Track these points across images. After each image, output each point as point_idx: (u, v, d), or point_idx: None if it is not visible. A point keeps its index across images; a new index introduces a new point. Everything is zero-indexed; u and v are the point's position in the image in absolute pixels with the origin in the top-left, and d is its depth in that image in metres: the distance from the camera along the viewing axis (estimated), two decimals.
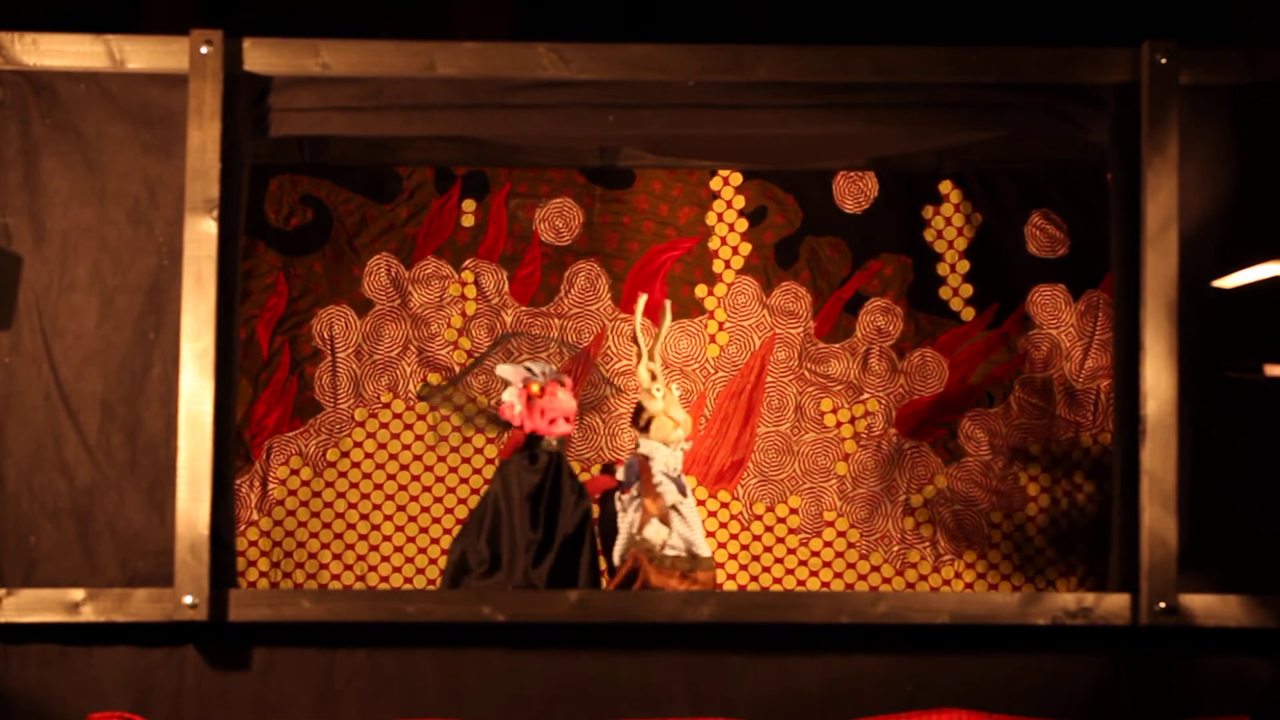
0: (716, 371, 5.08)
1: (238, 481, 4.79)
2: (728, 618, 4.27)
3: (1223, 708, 4.27)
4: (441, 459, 5.02)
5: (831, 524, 5.04)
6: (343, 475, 5.00)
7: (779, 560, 5.02)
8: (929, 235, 5.10)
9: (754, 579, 5.01)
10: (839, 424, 5.07)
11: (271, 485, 4.97)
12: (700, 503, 4.94)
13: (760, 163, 5.05)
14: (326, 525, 4.98)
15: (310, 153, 5.01)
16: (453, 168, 5.08)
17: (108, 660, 4.25)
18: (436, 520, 4.98)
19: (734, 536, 5.03)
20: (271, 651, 4.28)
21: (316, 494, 4.98)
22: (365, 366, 5.02)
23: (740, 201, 5.11)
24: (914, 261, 5.10)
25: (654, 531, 4.53)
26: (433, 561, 4.96)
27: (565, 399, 4.46)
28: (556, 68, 4.34)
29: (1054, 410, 5.03)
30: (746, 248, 5.10)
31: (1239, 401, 4.30)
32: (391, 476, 5.01)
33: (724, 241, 5.10)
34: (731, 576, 4.99)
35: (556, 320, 5.05)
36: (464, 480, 5.00)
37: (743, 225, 5.11)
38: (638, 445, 4.67)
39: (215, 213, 4.24)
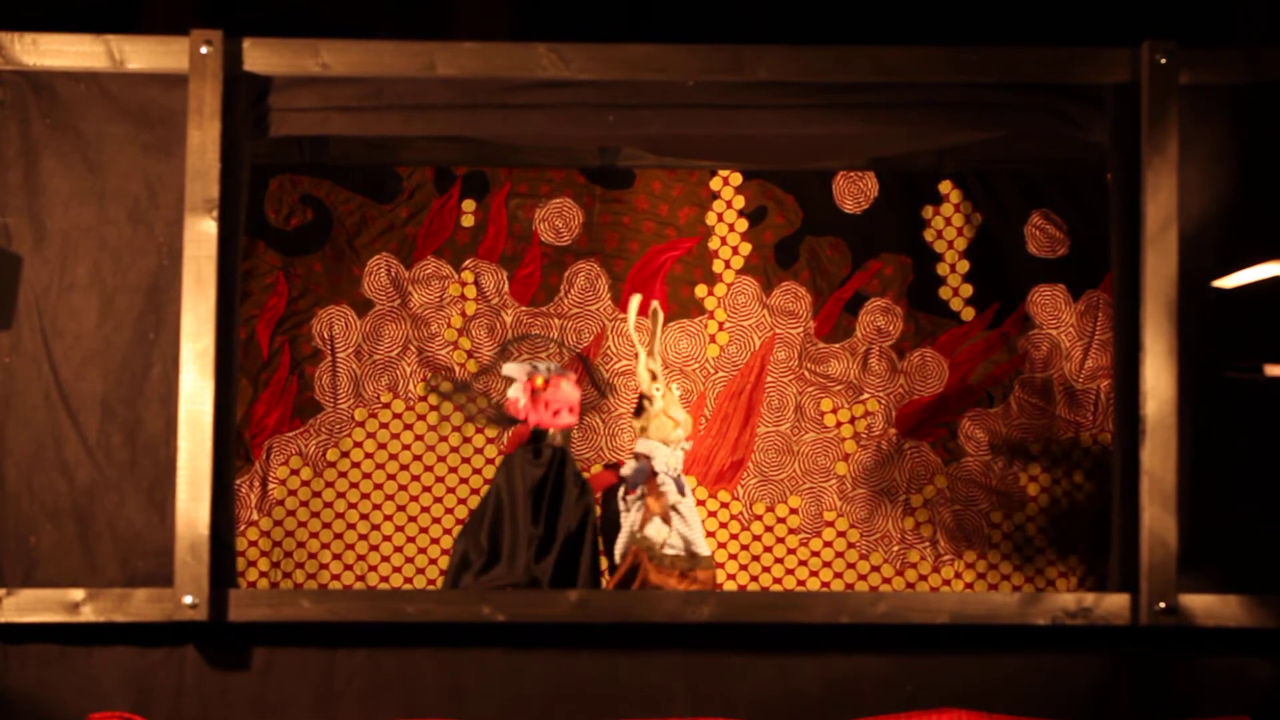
0: (716, 371, 5.08)
1: (238, 481, 4.79)
2: (728, 618, 4.27)
3: (1223, 708, 4.27)
4: (441, 459, 5.02)
5: (831, 524, 5.04)
6: (343, 475, 5.00)
7: (779, 560, 5.02)
8: (929, 235, 5.10)
9: (754, 579, 5.01)
10: (839, 424, 5.07)
11: (271, 485, 4.97)
12: (700, 503, 4.94)
13: (760, 163, 5.06)
14: (326, 525, 4.98)
15: (310, 153, 5.01)
16: (453, 168, 5.08)
17: (108, 660, 4.25)
18: (436, 520, 4.98)
19: (734, 536, 5.03)
20: (271, 651, 4.28)
21: (316, 494, 4.98)
22: (365, 366, 5.02)
23: (740, 201, 5.11)
24: (914, 261, 5.10)
25: (655, 530, 4.54)
26: (433, 561, 4.97)
27: (569, 390, 4.49)
28: (556, 68, 4.34)
29: (1054, 410, 5.03)
30: (746, 248, 5.10)
31: (1239, 401, 4.30)
32: (391, 476, 5.01)
33: (724, 241, 5.10)
34: (731, 576, 4.99)
35: (556, 320, 5.05)
36: (464, 480, 5.00)
37: (743, 225, 5.11)
38: (637, 445, 4.68)
39: (215, 213, 4.24)
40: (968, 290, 5.09)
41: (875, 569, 5.02)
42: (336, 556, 4.97)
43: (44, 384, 4.27)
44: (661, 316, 4.66)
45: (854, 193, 5.11)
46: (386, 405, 5.02)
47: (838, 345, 5.09)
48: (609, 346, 5.05)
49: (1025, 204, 5.08)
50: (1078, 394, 5.03)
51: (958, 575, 5.01)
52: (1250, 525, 4.28)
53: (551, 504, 4.45)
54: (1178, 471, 4.24)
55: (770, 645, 4.30)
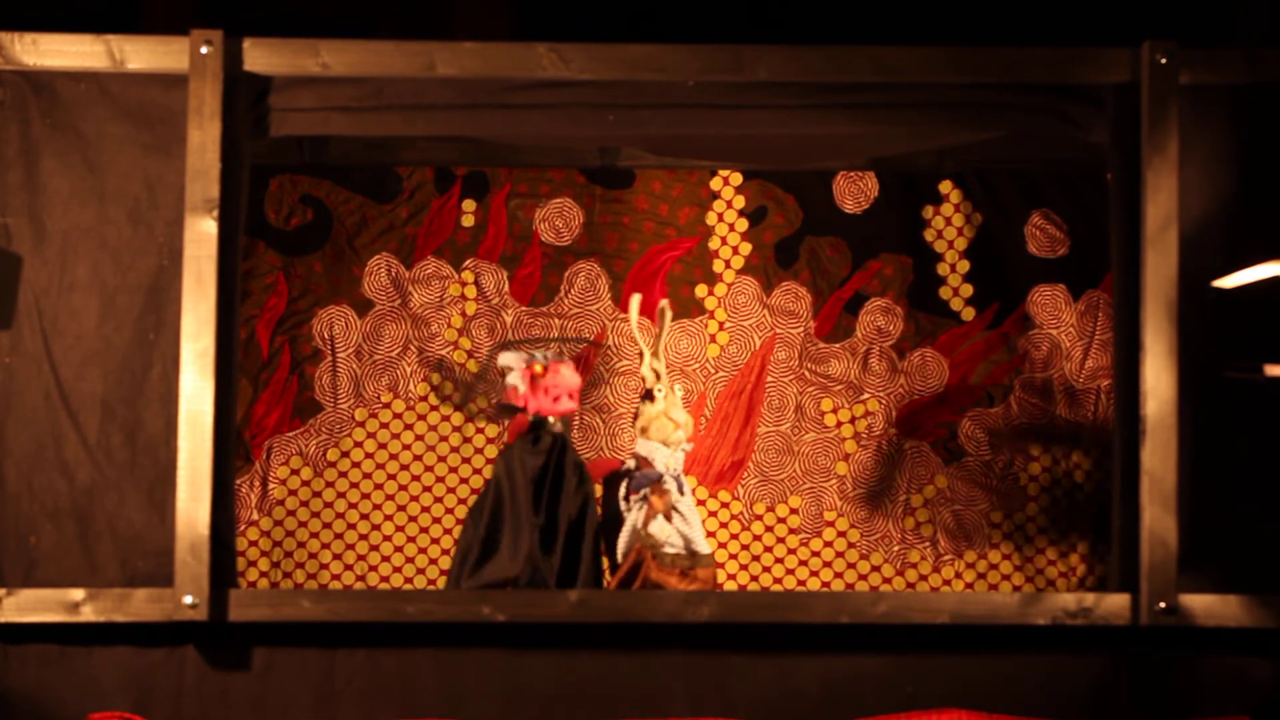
0: (717, 371, 5.08)
1: (238, 481, 4.79)
2: (728, 618, 4.28)
3: (1223, 708, 4.27)
4: (442, 459, 5.02)
5: (831, 524, 5.04)
6: (343, 475, 5.00)
7: (779, 560, 5.02)
8: (929, 235, 5.10)
9: (754, 579, 5.01)
10: (839, 424, 5.07)
11: (271, 485, 4.97)
12: (700, 502, 4.94)
13: (760, 163, 5.05)
14: (326, 525, 4.98)
15: (310, 153, 5.01)
16: (453, 168, 5.08)
17: (108, 660, 4.25)
18: (437, 520, 4.98)
19: (734, 536, 5.03)
20: (271, 651, 4.28)
21: (316, 494, 4.99)
22: (365, 366, 5.02)
23: (740, 201, 5.11)
24: (914, 261, 5.10)
25: (659, 527, 4.54)
26: (433, 561, 4.97)
27: (568, 375, 4.52)
28: (556, 68, 4.34)
29: (1054, 410, 5.03)
30: (746, 248, 5.10)
31: (1239, 401, 4.30)
32: (391, 476, 5.01)
33: (724, 241, 5.10)
34: (731, 576, 4.99)
35: (556, 320, 5.05)
36: (464, 480, 5.00)
37: (743, 225, 5.11)
38: (637, 445, 4.68)
39: (215, 213, 4.24)
40: (968, 290, 5.09)
41: (875, 569, 5.02)
42: (336, 556, 4.97)
43: (44, 384, 4.27)
44: (670, 316, 4.66)
45: (854, 193, 5.11)
46: (387, 405, 5.02)
47: (838, 345, 5.09)
48: (609, 346, 5.05)
49: (1025, 204, 5.08)
50: (1078, 394, 5.03)
51: (958, 575, 5.01)
52: (1250, 525, 4.28)
53: (552, 492, 4.47)
54: (1178, 471, 4.24)
55: (770, 645, 4.30)
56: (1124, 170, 4.34)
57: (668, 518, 4.56)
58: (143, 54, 4.31)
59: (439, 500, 5.00)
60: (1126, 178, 4.33)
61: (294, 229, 5.03)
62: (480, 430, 4.99)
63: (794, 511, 5.04)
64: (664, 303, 4.71)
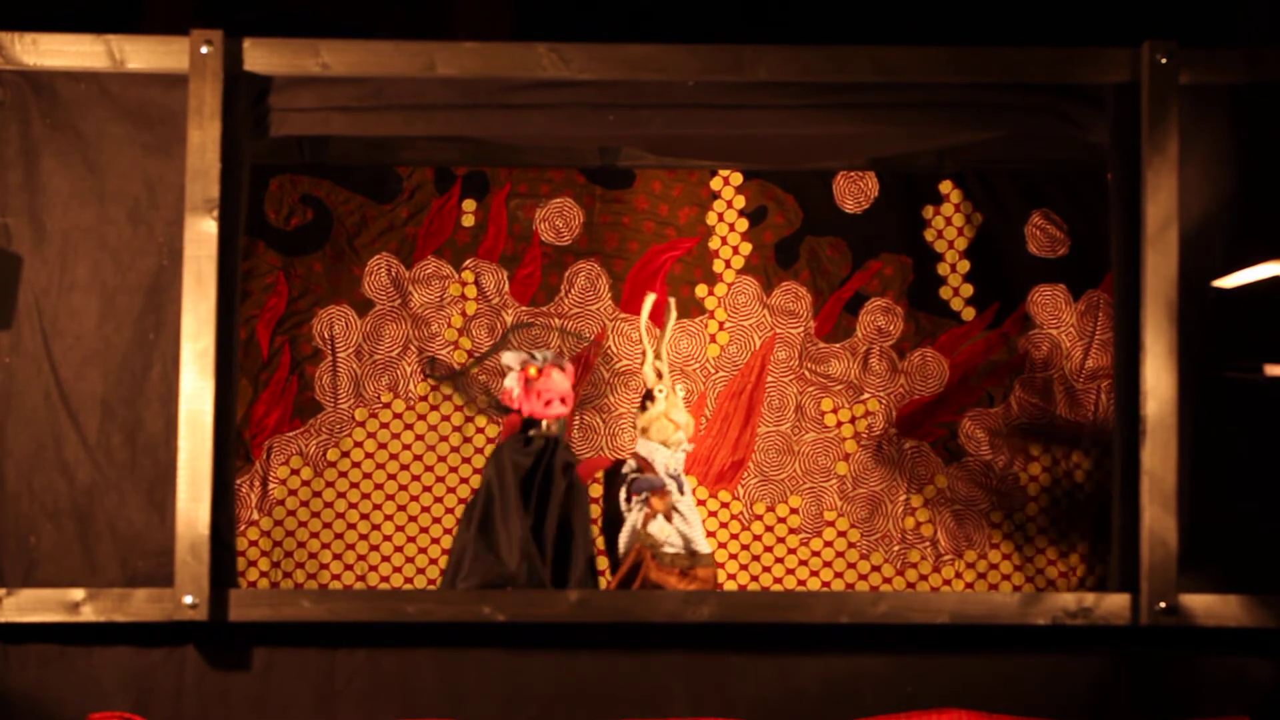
0: (717, 371, 5.08)
1: (238, 481, 4.78)
2: (728, 618, 4.28)
3: (1223, 708, 4.27)
4: (442, 459, 5.02)
5: (832, 524, 5.04)
6: (343, 475, 5.00)
7: (779, 560, 5.02)
8: (929, 235, 5.10)
9: (754, 579, 5.01)
10: (839, 424, 5.07)
11: (271, 485, 4.97)
12: (700, 503, 4.93)
13: (760, 163, 5.05)
14: (326, 525, 4.98)
15: (310, 153, 5.00)
16: (453, 168, 5.08)
17: (108, 660, 4.26)
18: (437, 520, 4.98)
19: (734, 536, 5.03)
20: (271, 651, 4.28)
21: (316, 494, 4.98)
22: (365, 366, 5.02)
23: (740, 201, 5.11)
24: (914, 261, 5.10)
25: (659, 528, 4.55)
26: (433, 561, 4.96)
27: (559, 379, 4.56)
28: (556, 68, 4.34)
29: (1054, 410, 5.03)
30: (746, 248, 5.10)
31: (1239, 401, 4.30)
32: (392, 476, 5.01)
33: (724, 241, 5.10)
34: (731, 576, 4.99)
35: (556, 320, 5.05)
36: (464, 480, 5.00)
37: (743, 225, 5.11)
38: (637, 446, 4.69)
39: (215, 213, 4.24)
40: (968, 290, 5.09)
41: (875, 569, 5.02)
42: (336, 556, 4.97)
43: (44, 384, 4.27)
44: (674, 315, 4.67)
45: (854, 193, 5.11)
46: (387, 405, 5.02)
47: (838, 345, 5.09)
48: (609, 346, 5.05)
49: (1025, 204, 5.08)
50: (1078, 394, 5.03)
51: (958, 575, 5.01)
52: (1250, 525, 4.29)
53: (540, 494, 4.50)
54: (1178, 471, 4.25)
55: (770, 645, 4.30)
56: (1124, 170, 4.34)
57: (668, 518, 4.57)
58: (143, 54, 4.32)
59: (439, 500, 5.00)
60: (1126, 178, 4.34)
61: (294, 229, 5.03)
62: (480, 430, 4.99)
63: (794, 511, 5.04)
64: (670, 301, 4.73)
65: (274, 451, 4.98)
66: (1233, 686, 4.29)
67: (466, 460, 4.99)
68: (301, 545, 4.96)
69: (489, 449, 4.99)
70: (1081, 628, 4.26)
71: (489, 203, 5.08)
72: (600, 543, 4.90)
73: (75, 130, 4.31)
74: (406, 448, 5.02)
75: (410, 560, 4.98)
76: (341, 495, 4.99)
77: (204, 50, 4.26)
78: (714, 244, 5.10)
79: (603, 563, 4.91)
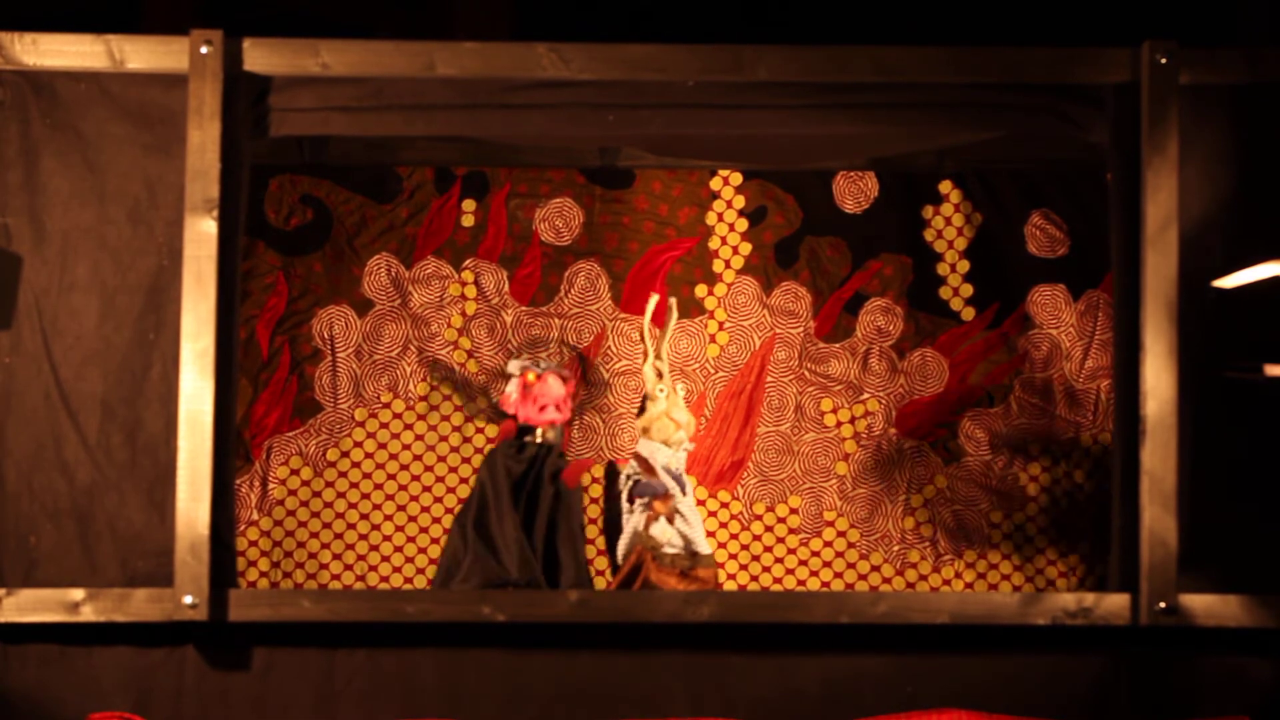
0: (716, 371, 5.08)
1: (238, 481, 4.78)
2: (728, 618, 4.28)
3: (1223, 708, 4.27)
4: (441, 459, 5.02)
5: (831, 524, 5.04)
6: (343, 475, 5.00)
7: (779, 560, 5.02)
8: (929, 235, 5.10)
9: (754, 579, 5.01)
10: (839, 424, 5.07)
11: (271, 485, 4.97)
12: (700, 503, 4.93)
13: (760, 163, 5.05)
14: (326, 525, 4.98)
15: (310, 153, 5.00)
16: (453, 168, 5.08)
17: (108, 660, 4.26)
18: (436, 520, 4.98)
19: (734, 536, 5.03)
20: (271, 651, 4.28)
21: (316, 494, 4.98)
22: (365, 366, 5.02)
23: (740, 201, 5.11)
24: (914, 261, 5.10)
25: (660, 530, 4.55)
26: (433, 561, 4.96)
27: (555, 385, 4.58)
28: (556, 68, 4.34)
29: (1054, 410, 5.03)
30: (746, 248, 5.10)
31: (1239, 401, 4.30)
32: (391, 476, 5.01)
33: (724, 241, 5.10)
34: (731, 576, 4.99)
35: (556, 320, 5.05)
36: (464, 480, 5.00)
37: (743, 225, 5.11)
38: (638, 446, 4.69)
39: (215, 213, 4.24)
40: (968, 290, 5.09)
41: (875, 569, 5.02)
42: (336, 556, 4.97)
43: (44, 384, 4.27)
44: (675, 315, 4.68)
45: (854, 193, 5.11)
46: (386, 405, 5.02)
47: (838, 345, 5.09)
48: (609, 346, 5.05)
49: (1025, 204, 5.08)
50: (1078, 394, 5.03)
51: (958, 575, 5.01)
52: (1250, 525, 4.29)
53: (529, 500, 4.51)
54: (1178, 471, 4.25)
55: (770, 645, 4.30)
56: (1124, 170, 4.34)
57: (670, 521, 4.57)
58: (143, 54, 4.32)
59: (439, 500, 5.00)
60: (1126, 178, 4.34)
61: (294, 229, 5.03)
62: (480, 430, 4.99)
63: (794, 511, 5.04)
64: (672, 301, 4.73)
65: (274, 451, 4.98)
66: (1233, 686, 4.29)
67: (466, 460, 4.99)
68: (301, 545, 4.96)
69: (489, 449, 4.99)
70: (1081, 628, 4.26)
71: (489, 203, 5.08)
72: (600, 543, 4.90)
73: (75, 130, 4.31)
74: (406, 448, 5.02)
75: (410, 560, 4.98)
76: (341, 495, 4.99)
77: (204, 50, 4.26)
78: (714, 244, 5.10)
79: (602, 563, 4.91)
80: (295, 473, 4.98)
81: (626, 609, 4.33)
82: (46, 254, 4.29)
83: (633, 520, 4.58)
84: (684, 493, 4.61)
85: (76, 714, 4.22)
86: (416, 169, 5.06)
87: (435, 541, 4.97)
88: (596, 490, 4.99)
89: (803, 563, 5.02)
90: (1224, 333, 4.31)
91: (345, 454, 5.00)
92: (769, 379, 5.07)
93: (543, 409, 4.61)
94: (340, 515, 4.99)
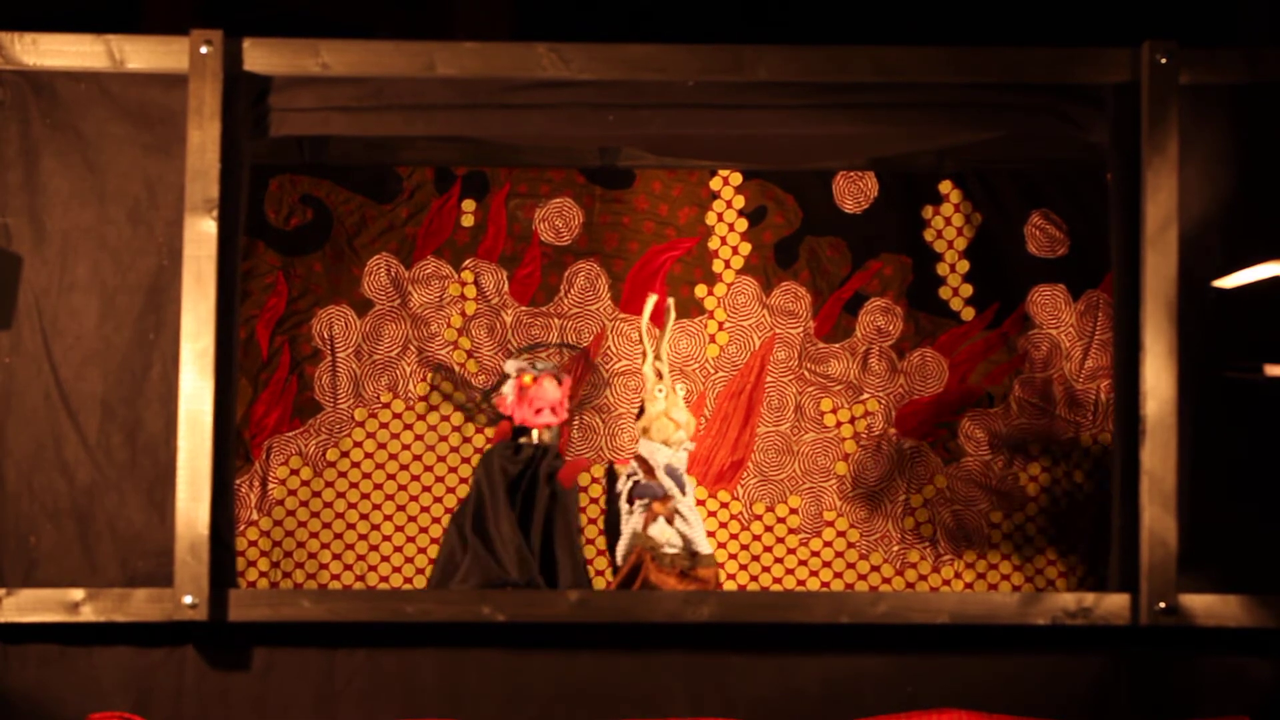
0: (716, 371, 5.08)
1: (238, 481, 4.78)
2: (728, 618, 4.28)
3: (1223, 708, 4.27)
4: (441, 459, 5.02)
5: (831, 524, 5.04)
6: (343, 475, 5.00)
7: (779, 560, 5.02)
8: (929, 235, 5.10)
9: (754, 579, 5.01)
10: (839, 424, 5.07)
11: (271, 485, 4.97)
12: (700, 502, 4.93)
13: (760, 163, 5.05)
14: (326, 525, 4.98)
15: (310, 153, 5.00)
16: (453, 168, 5.08)
17: (108, 660, 4.26)
18: (436, 520, 4.98)
19: (734, 536, 5.03)
20: (271, 651, 4.28)
21: (316, 494, 4.98)
22: (365, 366, 5.02)
23: (740, 201, 5.11)
24: (914, 261, 5.10)
25: (659, 530, 4.55)
26: (433, 561, 4.96)
27: (550, 389, 4.58)
28: (556, 68, 4.34)
29: (1054, 410, 5.03)
30: (746, 248, 5.10)
31: (1239, 401, 4.30)
32: (391, 476, 5.01)
33: (724, 241, 5.10)
34: (731, 576, 4.99)
35: (556, 320, 5.05)
36: (464, 481, 4.99)
37: (743, 225, 5.11)
38: (639, 446, 4.68)
39: (215, 213, 4.24)
40: (968, 290, 5.09)
41: (875, 569, 5.02)
42: (336, 556, 4.97)
43: (44, 384, 4.27)
44: (673, 316, 4.68)
45: (854, 193, 5.11)
46: (386, 405, 5.02)
47: (838, 345, 5.09)
48: (609, 346, 5.05)
49: (1025, 204, 5.08)
50: (1078, 394, 5.03)
51: (958, 575, 5.01)
52: (1250, 525, 4.29)
53: (525, 502, 4.51)
54: (1178, 471, 4.25)
55: (770, 645, 4.30)
56: (1124, 170, 4.34)
57: (669, 521, 4.57)
58: (143, 54, 4.31)
59: (439, 500, 5.00)
60: (1126, 178, 4.34)
61: (294, 229, 5.03)
62: (480, 430, 4.99)
63: (794, 511, 5.04)
64: (670, 302, 4.73)
65: (273, 451, 4.97)
66: (1233, 686, 4.29)
67: (466, 460, 4.99)
68: (301, 545, 4.96)
69: (486, 450, 4.99)
70: (1081, 628, 4.26)
71: (489, 203, 5.08)
72: (600, 543, 4.90)
73: (75, 130, 4.31)
74: (406, 448, 5.02)
75: (410, 560, 4.98)
76: (341, 495, 4.99)
77: (204, 50, 4.26)
78: (713, 244, 5.10)
79: (602, 563, 4.91)
80: (295, 473, 4.98)
81: (626, 609, 4.33)
82: (46, 254, 4.29)
83: (632, 521, 4.58)
84: (684, 493, 4.61)
85: (76, 714, 4.22)
86: (416, 169, 5.06)
87: (435, 541, 4.97)
88: (596, 491, 4.99)
89: (803, 563, 5.02)
90: (1224, 333, 4.31)
91: (345, 454, 5.00)
92: (769, 379, 5.07)
93: (538, 412, 4.61)
94: (340, 515, 4.99)
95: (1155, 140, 4.29)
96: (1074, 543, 5.00)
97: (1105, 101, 4.37)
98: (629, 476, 4.63)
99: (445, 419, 5.02)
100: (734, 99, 4.40)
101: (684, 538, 4.56)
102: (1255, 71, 4.35)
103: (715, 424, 5.06)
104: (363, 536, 4.98)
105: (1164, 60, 4.29)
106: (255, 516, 4.95)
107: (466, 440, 5.01)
